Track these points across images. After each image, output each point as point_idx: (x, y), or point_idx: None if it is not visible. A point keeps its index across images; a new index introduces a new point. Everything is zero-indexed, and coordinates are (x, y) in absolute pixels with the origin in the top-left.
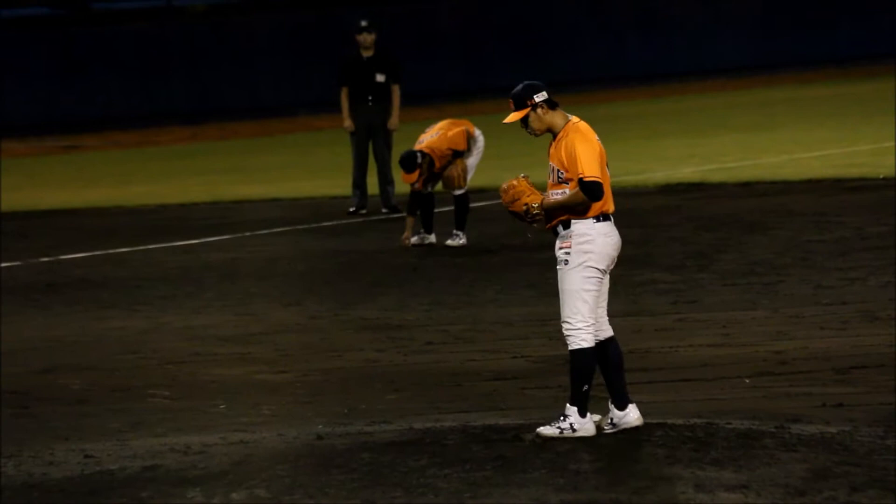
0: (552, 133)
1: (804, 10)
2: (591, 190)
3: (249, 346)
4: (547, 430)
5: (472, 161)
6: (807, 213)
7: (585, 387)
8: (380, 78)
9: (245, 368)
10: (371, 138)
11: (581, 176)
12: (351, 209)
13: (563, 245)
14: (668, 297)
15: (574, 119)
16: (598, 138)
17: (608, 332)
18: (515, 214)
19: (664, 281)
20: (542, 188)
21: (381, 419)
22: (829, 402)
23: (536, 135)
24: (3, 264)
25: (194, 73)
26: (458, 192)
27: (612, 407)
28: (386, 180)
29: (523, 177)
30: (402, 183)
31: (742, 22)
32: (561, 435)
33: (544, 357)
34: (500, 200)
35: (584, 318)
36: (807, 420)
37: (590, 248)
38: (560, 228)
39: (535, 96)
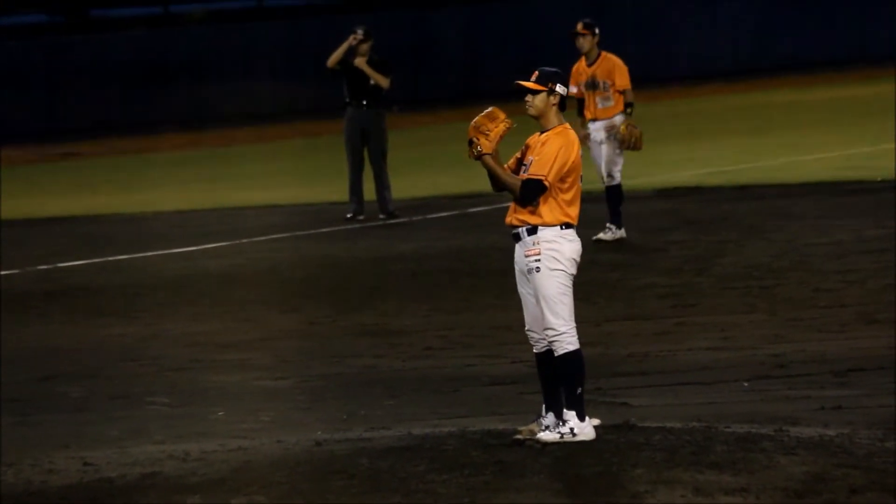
0: (541, 126)
1: (802, 12)
2: (530, 190)
3: (248, 352)
4: (547, 436)
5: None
6: (805, 216)
7: (579, 389)
8: (373, 81)
9: (244, 375)
10: (366, 144)
11: (537, 176)
12: (348, 215)
13: (531, 252)
14: (667, 300)
15: (567, 125)
16: (580, 151)
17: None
18: (470, 132)
19: (662, 285)
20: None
21: (379, 425)
22: (828, 404)
23: (530, 113)
24: (2, 272)
25: (192, 80)
26: (611, 184)
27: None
28: (382, 185)
29: (507, 125)
30: (399, 189)
31: (740, 25)
32: (562, 440)
33: None
34: (495, 205)
35: (567, 322)
36: (805, 423)
37: (558, 254)
38: (524, 234)
39: (558, 85)
